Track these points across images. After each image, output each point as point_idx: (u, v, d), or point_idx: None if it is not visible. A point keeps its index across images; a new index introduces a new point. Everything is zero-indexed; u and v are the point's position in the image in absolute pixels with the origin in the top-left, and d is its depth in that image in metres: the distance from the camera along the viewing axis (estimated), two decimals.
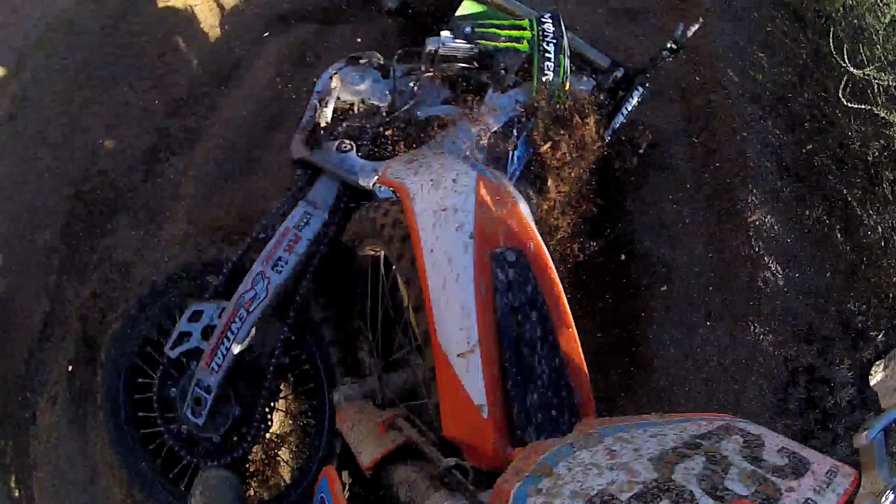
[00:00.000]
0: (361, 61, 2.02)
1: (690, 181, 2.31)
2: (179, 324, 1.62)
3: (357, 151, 1.79)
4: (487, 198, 1.12)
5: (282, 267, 1.65)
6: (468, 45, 1.97)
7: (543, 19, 2.10)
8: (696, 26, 2.22)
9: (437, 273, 1.06)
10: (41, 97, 2.50)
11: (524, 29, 2.05)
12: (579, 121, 2.02)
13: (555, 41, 2.05)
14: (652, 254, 2.18)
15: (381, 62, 2.04)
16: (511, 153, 1.94)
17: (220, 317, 1.61)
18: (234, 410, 1.62)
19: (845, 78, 2.10)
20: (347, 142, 1.80)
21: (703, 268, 2.13)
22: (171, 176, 2.39)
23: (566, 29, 2.20)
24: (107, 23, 2.64)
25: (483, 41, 2.00)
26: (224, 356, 1.56)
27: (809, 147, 2.30)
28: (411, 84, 1.98)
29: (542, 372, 1.00)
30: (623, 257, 2.19)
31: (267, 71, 2.53)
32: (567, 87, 2.00)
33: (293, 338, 1.71)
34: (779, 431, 0.77)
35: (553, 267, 1.13)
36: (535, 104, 1.93)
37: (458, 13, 2.20)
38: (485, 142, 1.91)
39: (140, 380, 1.66)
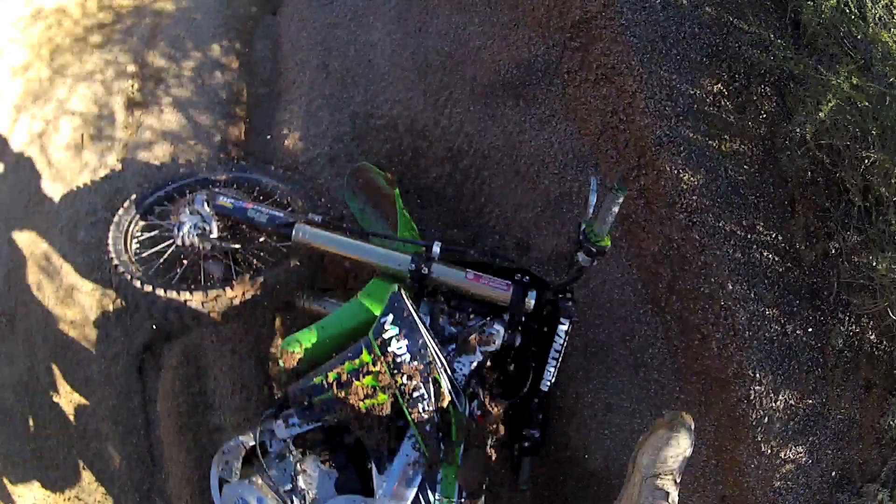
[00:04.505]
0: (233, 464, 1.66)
1: (672, 383, 1.91)
2: None
3: None
4: None
5: None
6: (316, 423, 1.61)
7: (385, 327, 1.51)
8: (618, 203, 1.42)
9: None
10: None
11: (369, 371, 1.52)
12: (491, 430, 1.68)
13: (423, 356, 1.50)
14: None
15: (255, 440, 1.66)
16: None
17: None
18: None
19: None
20: None
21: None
22: None
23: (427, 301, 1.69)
24: None
25: (328, 413, 1.58)
26: None
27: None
28: (292, 474, 1.64)
29: None
30: None
31: None
32: (458, 413, 1.55)
33: None
34: None
35: None
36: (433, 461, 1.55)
37: (281, 367, 1.68)
38: None
39: None
